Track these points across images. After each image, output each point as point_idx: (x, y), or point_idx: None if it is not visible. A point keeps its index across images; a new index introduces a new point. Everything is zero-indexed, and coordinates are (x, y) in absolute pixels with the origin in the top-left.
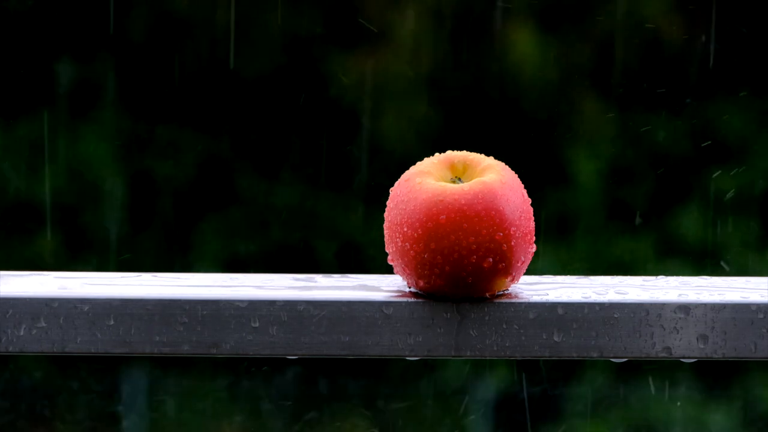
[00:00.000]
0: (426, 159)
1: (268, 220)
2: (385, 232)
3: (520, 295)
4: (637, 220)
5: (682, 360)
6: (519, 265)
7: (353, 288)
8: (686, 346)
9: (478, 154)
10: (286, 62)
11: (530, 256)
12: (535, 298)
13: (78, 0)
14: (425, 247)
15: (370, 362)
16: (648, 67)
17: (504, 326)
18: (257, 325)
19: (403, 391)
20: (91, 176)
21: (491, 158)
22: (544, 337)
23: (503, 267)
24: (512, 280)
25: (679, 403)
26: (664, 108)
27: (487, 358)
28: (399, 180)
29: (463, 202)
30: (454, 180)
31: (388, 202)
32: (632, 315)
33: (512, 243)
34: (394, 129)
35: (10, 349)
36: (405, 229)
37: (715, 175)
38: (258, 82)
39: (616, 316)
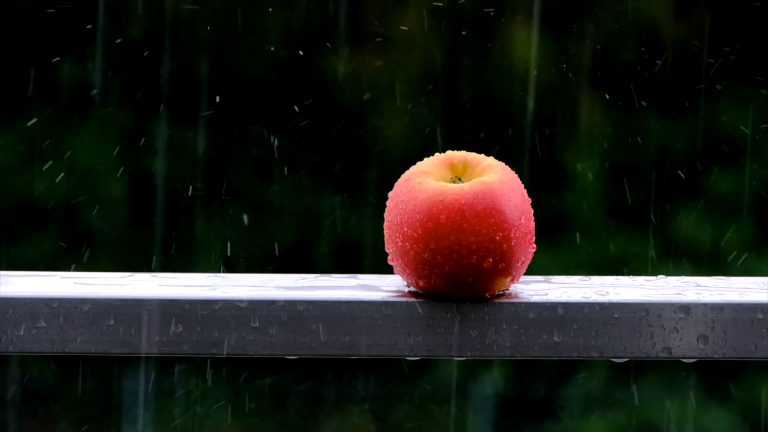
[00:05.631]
0: (426, 159)
1: (268, 220)
2: (385, 232)
3: (520, 295)
4: (637, 221)
5: (682, 360)
6: (519, 265)
7: (353, 288)
8: (686, 346)
9: (478, 154)
10: (286, 62)
11: (530, 256)
12: (535, 298)
13: None
14: (425, 247)
15: (370, 362)
16: (648, 67)
17: (504, 326)
18: (257, 325)
19: (403, 391)
20: (90, 176)
21: (491, 158)
22: (544, 337)
23: (503, 267)
24: (512, 280)
25: (679, 403)
26: (664, 108)
27: (487, 357)
28: (399, 180)
29: (463, 202)
30: (454, 180)
31: (388, 202)
32: (632, 315)
33: (512, 243)
34: (394, 129)
35: (10, 349)
36: (405, 229)
37: (715, 175)
38: (258, 82)
39: (616, 316)
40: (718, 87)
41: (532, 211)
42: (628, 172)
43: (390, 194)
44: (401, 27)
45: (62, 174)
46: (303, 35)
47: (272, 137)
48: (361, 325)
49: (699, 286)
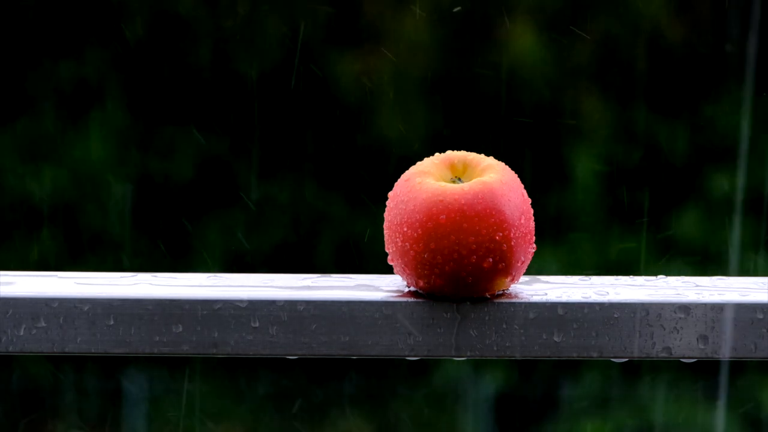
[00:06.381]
0: (426, 159)
1: (268, 219)
2: (385, 232)
3: (520, 295)
4: (637, 221)
5: (682, 360)
6: (519, 265)
7: (353, 288)
8: (686, 346)
9: (478, 154)
10: (286, 62)
11: (530, 256)
12: (535, 298)
13: None
14: (425, 247)
15: (370, 362)
16: (648, 66)
17: (504, 326)
18: (257, 325)
19: (402, 391)
20: (91, 176)
21: (491, 158)
22: (544, 337)
23: (503, 267)
24: (512, 280)
25: (679, 403)
26: (664, 108)
27: (487, 358)
28: (399, 180)
29: (463, 202)
30: (454, 180)
31: (388, 202)
32: (632, 315)
33: (512, 243)
34: (394, 129)
35: (10, 349)
36: (405, 229)
37: (715, 175)
38: (258, 82)
39: (616, 316)
40: (719, 87)
41: (532, 211)
42: (628, 172)
43: (390, 194)
44: (402, 27)
45: (62, 174)
46: (303, 35)
47: (272, 137)
48: (361, 325)
49: (699, 286)
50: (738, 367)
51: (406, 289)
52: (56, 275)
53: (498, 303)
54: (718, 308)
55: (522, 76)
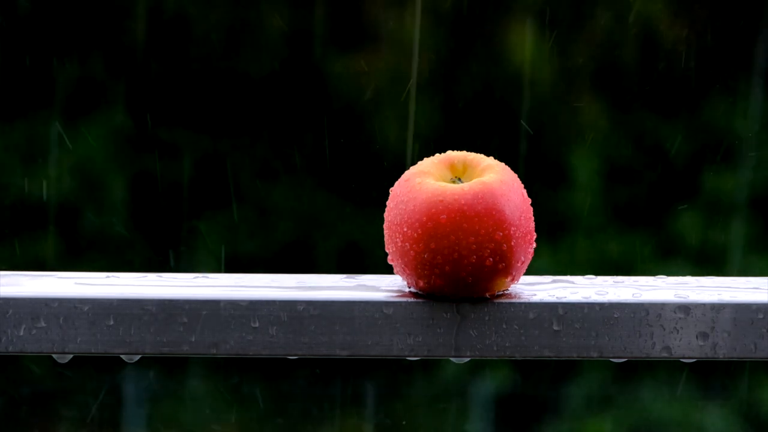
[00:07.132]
0: (426, 159)
1: (268, 220)
2: (385, 232)
3: (520, 295)
4: (637, 221)
5: (682, 360)
6: (519, 265)
7: (353, 288)
8: (686, 346)
9: (478, 154)
10: (286, 62)
11: (530, 256)
12: (535, 298)
13: None
14: (425, 247)
15: (370, 362)
16: (648, 66)
17: (504, 326)
18: (257, 325)
19: (403, 391)
20: (91, 176)
21: (491, 158)
22: (544, 337)
23: (503, 267)
24: (512, 280)
25: (678, 403)
26: (663, 108)
27: (487, 358)
28: (399, 180)
29: (463, 202)
30: (454, 180)
31: (388, 202)
32: (632, 315)
33: (512, 243)
34: (394, 129)
35: (10, 349)
36: (405, 229)
37: (715, 174)
38: (258, 82)
39: (616, 316)
40: (718, 87)
41: (531, 211)
42: (628, 172)
43: (390, 194)
44: (401, 27)
45: (63, 174)
46: (303, 36)
47: (272, 137)
48: (361, 325)
49: (699, 286)
50: (738, 367)
51: (406, 289)
52: (56, 275)
53: (498, 303)
54: (718, 308)
55: (522, 75)
